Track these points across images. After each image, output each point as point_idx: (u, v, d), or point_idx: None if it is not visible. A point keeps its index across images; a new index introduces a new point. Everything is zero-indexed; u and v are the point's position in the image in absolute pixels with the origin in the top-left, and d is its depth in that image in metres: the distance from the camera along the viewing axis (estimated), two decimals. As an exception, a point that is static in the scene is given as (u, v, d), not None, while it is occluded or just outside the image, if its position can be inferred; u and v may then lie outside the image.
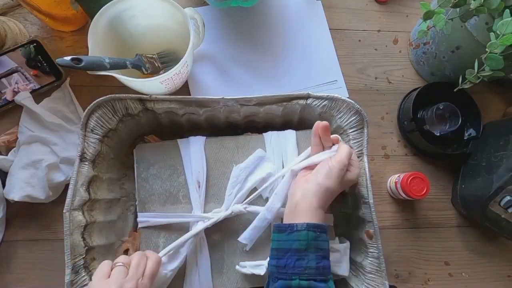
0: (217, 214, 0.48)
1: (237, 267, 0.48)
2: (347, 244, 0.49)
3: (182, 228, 0.49)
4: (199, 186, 0.50)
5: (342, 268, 0.48)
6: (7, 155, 0.55)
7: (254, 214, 0.48)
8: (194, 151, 0.51)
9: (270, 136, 0.53)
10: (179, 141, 0.53)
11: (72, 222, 0.44)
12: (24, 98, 0.56)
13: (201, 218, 0.48)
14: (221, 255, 0.49)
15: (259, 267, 0.47)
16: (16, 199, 0.51)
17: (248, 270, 0.47)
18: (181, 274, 0.48)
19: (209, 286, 0.48)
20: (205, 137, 0.53)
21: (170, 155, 0.52)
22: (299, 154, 0.52)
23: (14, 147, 0.56)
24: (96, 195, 0.49)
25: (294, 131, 0.53)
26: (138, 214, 0.50)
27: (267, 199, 0.50)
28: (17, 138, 0.56)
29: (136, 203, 0.51)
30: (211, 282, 0.48)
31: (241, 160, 0.51)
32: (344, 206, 0.54)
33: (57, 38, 0.63)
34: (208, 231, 0.49)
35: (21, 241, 0.54)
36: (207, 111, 0.51)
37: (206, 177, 0.51)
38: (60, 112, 0.58)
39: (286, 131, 0.53)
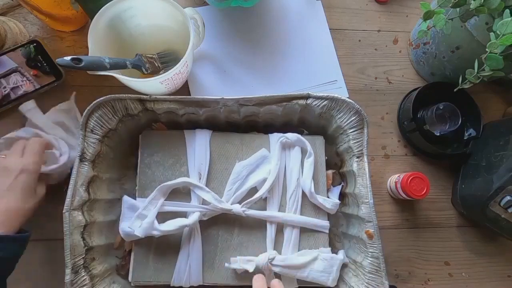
0: (215, 207, 0.48)
1: (226, 264, 0.48)
2: (337, 256, 0.49)
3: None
4: (199, 178, 0.51)
5: (329, 279, 0.48)
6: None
7: (251, 217, 0.49)
8: (199, 143, 0.52)
9: (276, 138, 0.53)
10: (186, 132, 0.53)
11: (72, 222, 0.44)
12: (29, 110, 0.55)
13: (199, 208, 0.48)
14: (214, 249, 0.50)
15: (249, 262, 0.47)
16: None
17: (238, 265, 0.47)
18: (172, 261, 0.48)
19: (199, 278, 0.48)
20: (211, 131, 0.54)
21: (175, 144, 0.53)
22: (302, 159, 0.52)
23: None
24: (96, 195, 0.49)
25: (299, 135, 0.53)
26: (137, 199, 0.50)
27: (265, 199, 0.51)
28: None
29: (136, 188, 0.51)
30: (201, 274, 0.48)
31: (245, 158, 0.52)
32: (344, 206, 0.54)
33: (57, 38, 0.63)
34: (204, 224, 0.50)
35: (21, 241, 0.54)
36: (207, 111, 0.51)
37: (208, 170, 0.51)
38: (64, 126, 0.56)
39: (292, 134, 0.53)
